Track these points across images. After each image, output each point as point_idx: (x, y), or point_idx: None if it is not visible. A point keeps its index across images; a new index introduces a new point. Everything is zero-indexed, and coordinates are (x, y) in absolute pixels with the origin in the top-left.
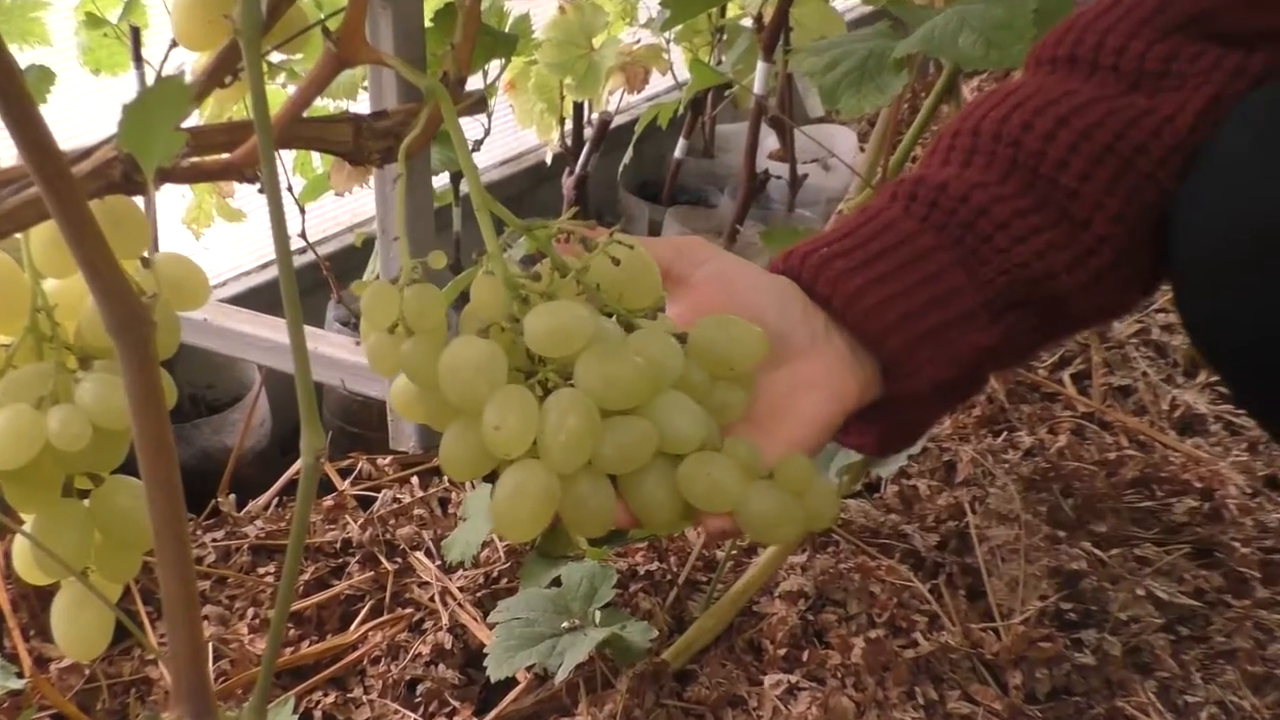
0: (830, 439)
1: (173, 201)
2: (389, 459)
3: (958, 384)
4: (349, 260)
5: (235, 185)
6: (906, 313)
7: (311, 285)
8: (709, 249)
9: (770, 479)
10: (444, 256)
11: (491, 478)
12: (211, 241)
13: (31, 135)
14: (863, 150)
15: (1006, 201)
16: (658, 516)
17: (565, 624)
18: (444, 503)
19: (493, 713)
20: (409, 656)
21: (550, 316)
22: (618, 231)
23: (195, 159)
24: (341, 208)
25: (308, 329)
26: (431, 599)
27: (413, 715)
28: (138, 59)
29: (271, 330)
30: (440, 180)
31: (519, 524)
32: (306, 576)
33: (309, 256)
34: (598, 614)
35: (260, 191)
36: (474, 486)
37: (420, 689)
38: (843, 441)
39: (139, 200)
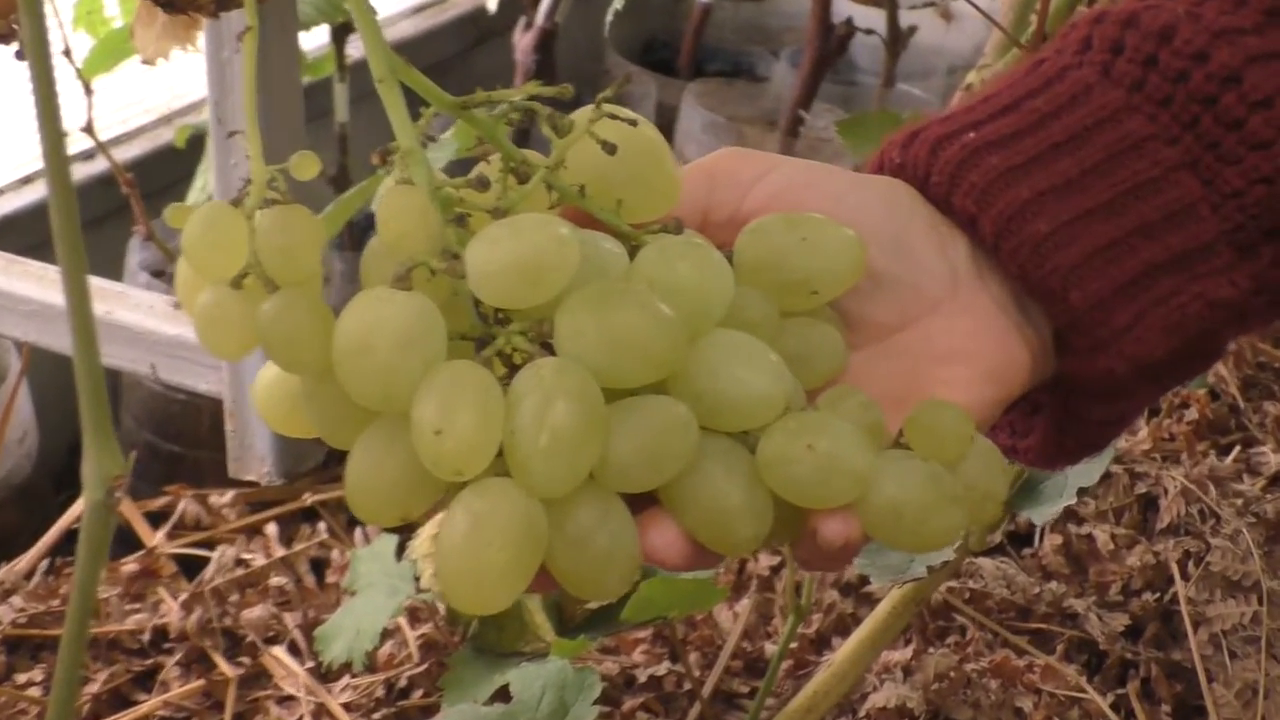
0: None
1: None
2: (229, 495)
3: (1178, 361)
4: (165, 171)
5: None
6: (1102, 245)
7: (104, 212)
8: (759, 159)
9: (901, 446)
10: (316, 161)
11: (408, 527)
12: None
13: None
14: None
15: (1271, 63)
16: (733, 533)
17: None
18: (319, 566)
19: None
20: None
21: (508, 243)
22: (608, 101)
23: None
24: (154, 86)
25: (97, 282)
26: None
27: None
28: None
29: (38, 285)
30: (314, 39)
31: (485, 585)
32: (96, 687)
33: (100, 165)
34: None
35: (19, 57)
36: (367, 538)
37: None
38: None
39: None
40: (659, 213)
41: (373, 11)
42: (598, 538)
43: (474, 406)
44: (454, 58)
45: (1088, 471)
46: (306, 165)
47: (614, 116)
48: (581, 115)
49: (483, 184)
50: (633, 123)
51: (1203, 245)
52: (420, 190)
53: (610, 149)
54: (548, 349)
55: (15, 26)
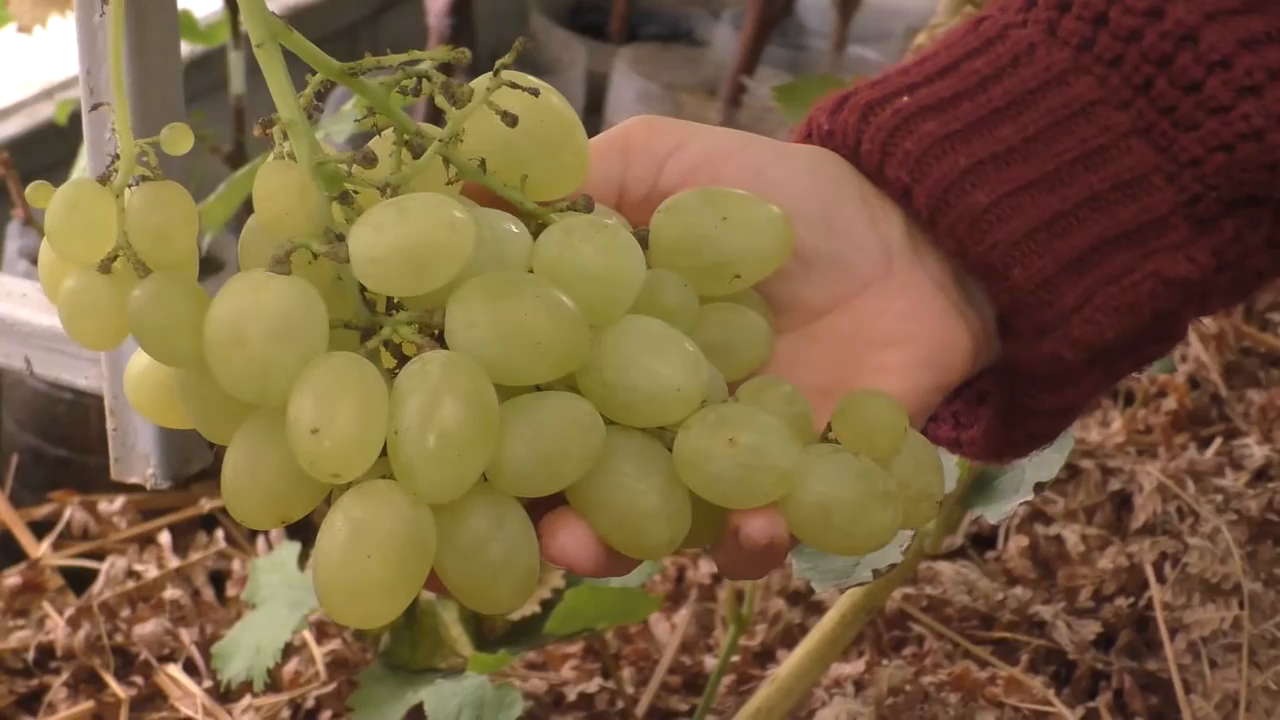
0: (918, 430)
1: None
2: (119, 501)
3: (1131, 345)
4: (46, 150)
5: None
6: (1047, 218)
7: None
8: (674, 129)
9: (829, 440)
10: (189, 133)
11: (305, 529)
12: None
13: None
14: None
15: (1230, 20)
16: (647, 536)
17: None
18: (217, 578)
19: None
20: None
21: (394, 227)
22: (507, 68)
23: None
24: (32, 58)
25: None
26: None
27: None
28: None
29: None
30: (207, 4)
31: (367, 592)
32: None
33: None
34: None
35: None
36: (270, 546)
37: None
38: (928, 434)
39: None
40: (568, 189)
41: None
42: (490, 547)
43: (354, 404)
44: (362, 22)
45: (1046, 464)
46: (179, 138)
47: (515, 85)
48: (480, 83)
49: (370, 159)
50: (535, 91)
51: (1157, 219)
52: (301, 166)
53: (511, 120)
54: (439, 341)
55: None
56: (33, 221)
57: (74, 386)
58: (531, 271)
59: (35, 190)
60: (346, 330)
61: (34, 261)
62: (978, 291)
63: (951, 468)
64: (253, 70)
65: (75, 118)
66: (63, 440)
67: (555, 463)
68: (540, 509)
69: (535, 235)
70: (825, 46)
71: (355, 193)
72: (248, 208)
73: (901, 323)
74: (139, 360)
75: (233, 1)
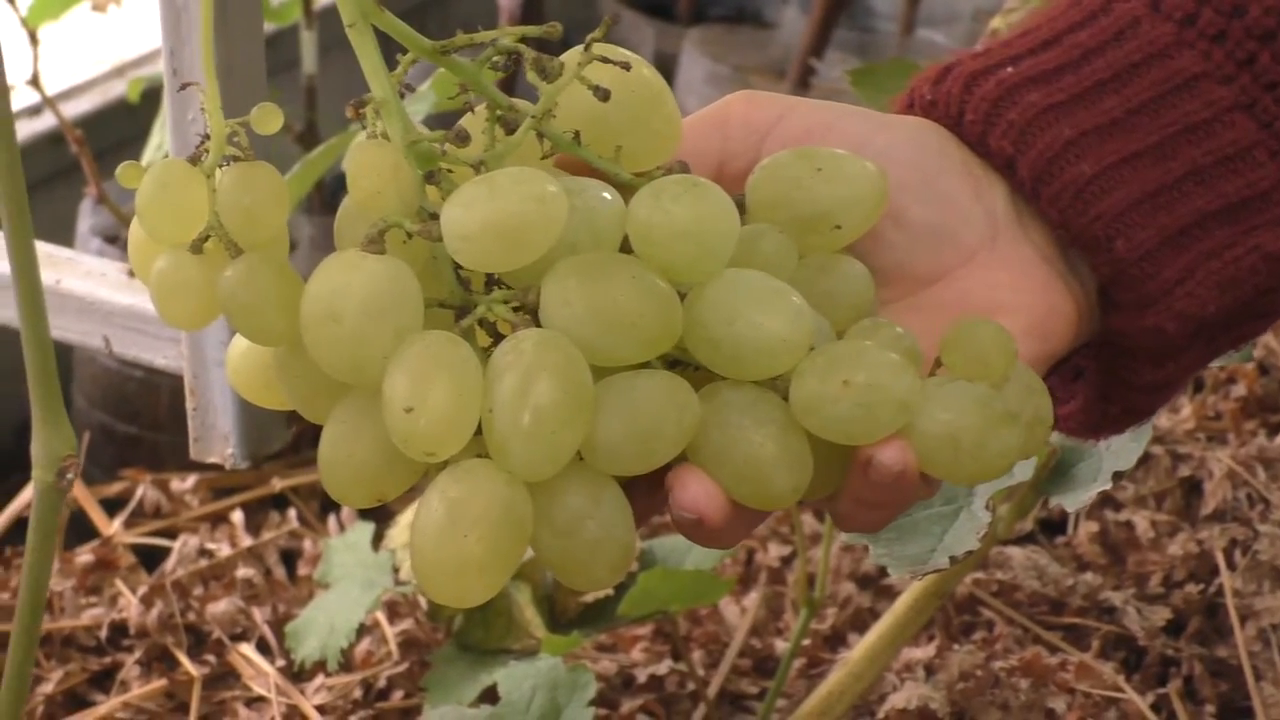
0: None
1: None
2: (191, 479)
3: (1232, 320)
4: (118, 127)
5: None
6: (1150, 191)
7: (52, 172)
8: (774, 102)
9: (941, 374)
10: (279, 113)
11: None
12: None
13: None
14: None
15: None
16: (772, 485)
17: None
18: (289, 557)
19: None
20: None
21: (485, 203)
22: (599, 43)
23: None
24: (105, 35)
25: (45, 248)
26: None
27: None
28: None
29: None
30: None
31: (463, 578)
32: (50, 687)
33: (47, 121)
34: None
35: None
36: (341, 526)
37: None
38: None
39: None
40: (662, 158)
41: None
42: (587, 525)
43: (449, 382)
44: (431, 2)
45: (1125, 453)
46: (269, 118)
47: (606, 59)
48: (571, 57)
49: (463, 137)
50: (627, 66)
51: (1260, 193)
52: (394, 145)
53: (603, 94)
54: (533, 319)
55: None
56: (105, 200)
57: (153, 366)
58: (626, 236)
59: (125, 170)
60: (441, 309)
61: (107, 240)
62: (1080, 262)
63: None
64: (324, 49)
65: (147, 95)
66: (133, 417)
67: (650, 441)
68: (638, 483)
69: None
70: (893, 29)
71: (449, 171)
72: (319, 187)
73: (1007, 293)
74: (240, 342)
75: None
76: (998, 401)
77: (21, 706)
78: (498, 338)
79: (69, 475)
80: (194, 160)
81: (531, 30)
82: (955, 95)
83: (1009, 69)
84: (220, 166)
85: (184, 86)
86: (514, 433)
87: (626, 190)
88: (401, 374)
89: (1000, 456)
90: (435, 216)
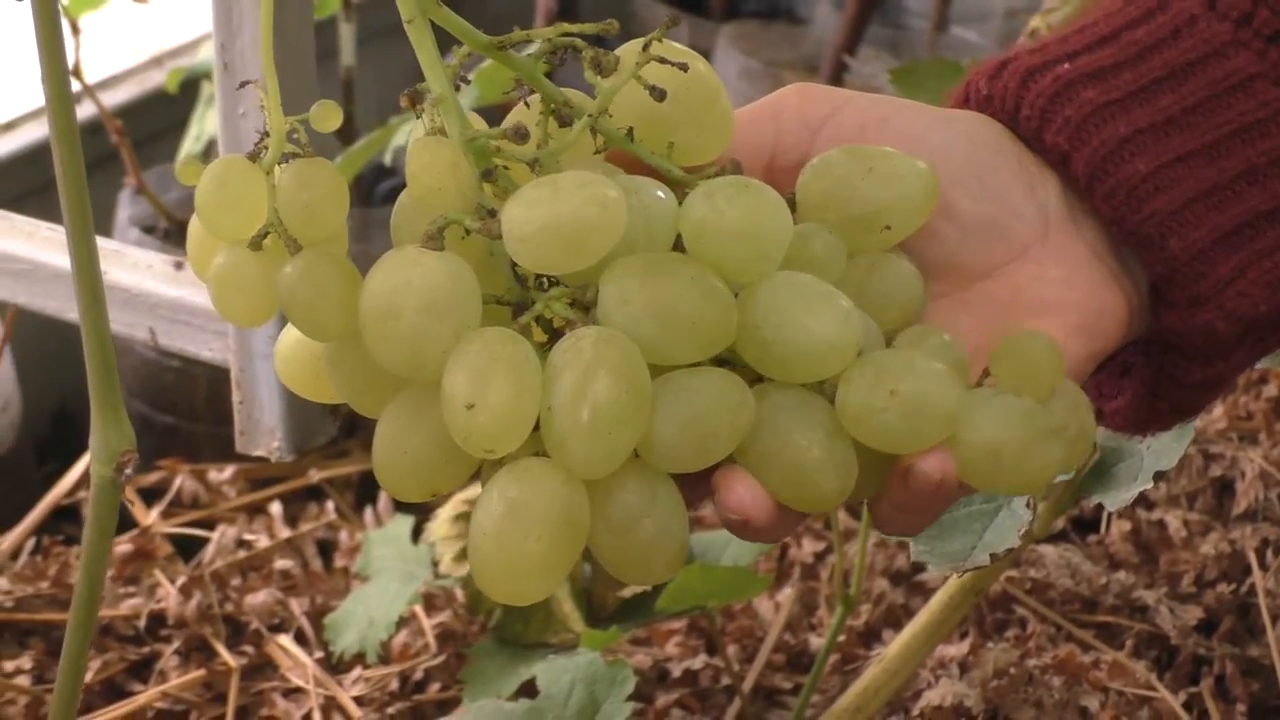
0: None
1: None
2: (229, 470)
3: None
4: (156, 117)
5: None
6: (1204, 190)
7: (90, 161)
8: (828, 96)
9: (987, 385)
10: (338, 111)
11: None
12: None
13: None
14: None
15: None
16: (817, 488)
17: None
18: (327, 549)
19: None
20: None
21: (547, 205)
22: (660, 40)
23: None
24: (142, 25)
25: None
26: (307, 718)
27: None
28: None
29: (26, 241)
30: None
31: (522, 578)
32: (90, 676)
33: (87, 110)
34: None
35: None
36: (378, 520)
37: None
38: None
39: None
40: (715, 153)
41: None
42: (643, 524)
43: (509, 380)
44: None
45: (1167, 453)
46: (328, 116)
47: (664, 59)
48: (628, 53)
49: (520, 134)
50: (684, 66)
51: None
52: (452, 141)
53: (659, 95)
54: (588, 315)
55: None
56: (144, 190)
57: (197, 358)
58: (679, 235)
59: (185, 167)
60: (499, 305)
61: (145, 229)
62: (1132, 260)
63: None
64: (362, 42)
65: (185, 85)
66: (170, 408)
67: (705, 440)
68: (690, 478)
69: (683, 197)
70: (925, 26)
71: (505, 168)
72: (356, 179)
73: (1058, 289)
74: (289, 335)
75: None
76: (1043, 416)
77: (77, 695)
78: (554, 334)
79: (127, 470)
80: (253, 157)
81: (588, 27)
82: (1011, 90)
83: (1065, 65)
84: (279, 163)
85: (242, 85)
86: (573, 430)
87: (678, 187)
88: (462, 371)
89: (1042, 471)
90: (494, 213)
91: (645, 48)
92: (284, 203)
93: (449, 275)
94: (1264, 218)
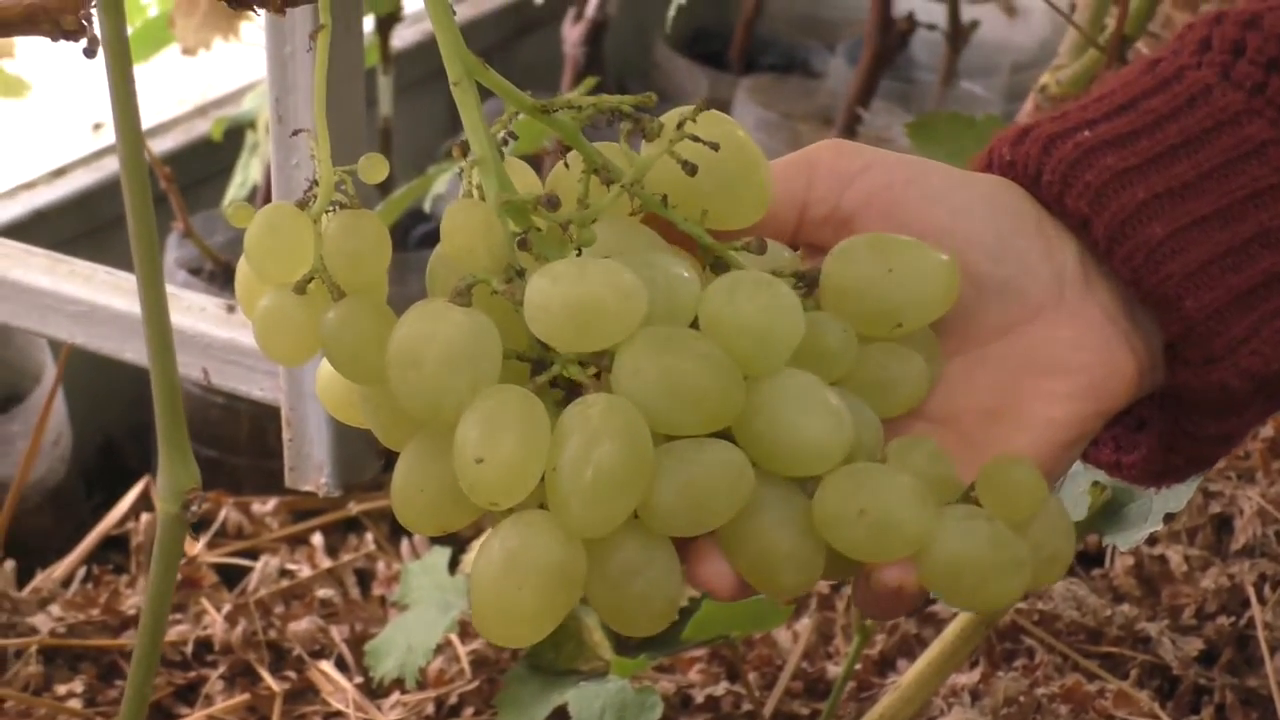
0: (1078, 456)
1: None
2: (271, 503)
3: None
4: (201, 164)
5: (15, 40)
6: (1220, 252)
7: None
8: (859, 154)
9: (969, 501)
10: (385, 164)
11: (456, 538)
12: None
13: None
14: None
15: None
16: (778, 580)
17: None
18: (365, 579)
19: None
20: None
21: (569, 285)
22: (697, 111)
23: None
24: (187, 77)
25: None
26: None
27: None
28: None
29: (85, 285)
30: None
31: (515, 620)
32: None
33: None
34: None
35: (88, 55)
36: (413, 551)
37: None
38: (1090, 457)
39: None
40: (748, 222)
41: (451, 11)
42: (635, 582)
43: (518, 438)
44: (496, 47)
45: (1175, 495)
46: (375, 168)
47: (696, 138)
48: (670, 123)
49: (552, 204)
50: (715, 146)
51: None
52: (487, 205)
53: (691, 169)
54: (604, 381)
55: (85, 22)
56: (192, 233)
57: (250, 397)
58: (697, 317)
59: (236, 211)
60: (520, 361)
61: (192, 272)
62: (1146, 321)
63: (1082, 495)
64: (399, 93)
65: (229, 134)
66: (214, 442)
67: (703, 510)
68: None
69: (711, 264)
70: (934, 80)
71: (538, 229)
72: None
73: (1069, 351)
74: (329, 366)
75: (384, 28)
76: (1009, 545)
77: (143, 716)
78: (572, 391)
79: (193, 507)
80: (302, 205)
81: (628, 99)
82: (1034, 156)
83: (1086, 132)
84: (326, 211)
85: (295, 133)
86: (574, 493)
87: (707, 254)
88: (475, 425)
89: (997, 598)
90: (523, 273)
91: (679, 125)
92: (330, 251)
93: (472, 331)
94: (1277, 279)
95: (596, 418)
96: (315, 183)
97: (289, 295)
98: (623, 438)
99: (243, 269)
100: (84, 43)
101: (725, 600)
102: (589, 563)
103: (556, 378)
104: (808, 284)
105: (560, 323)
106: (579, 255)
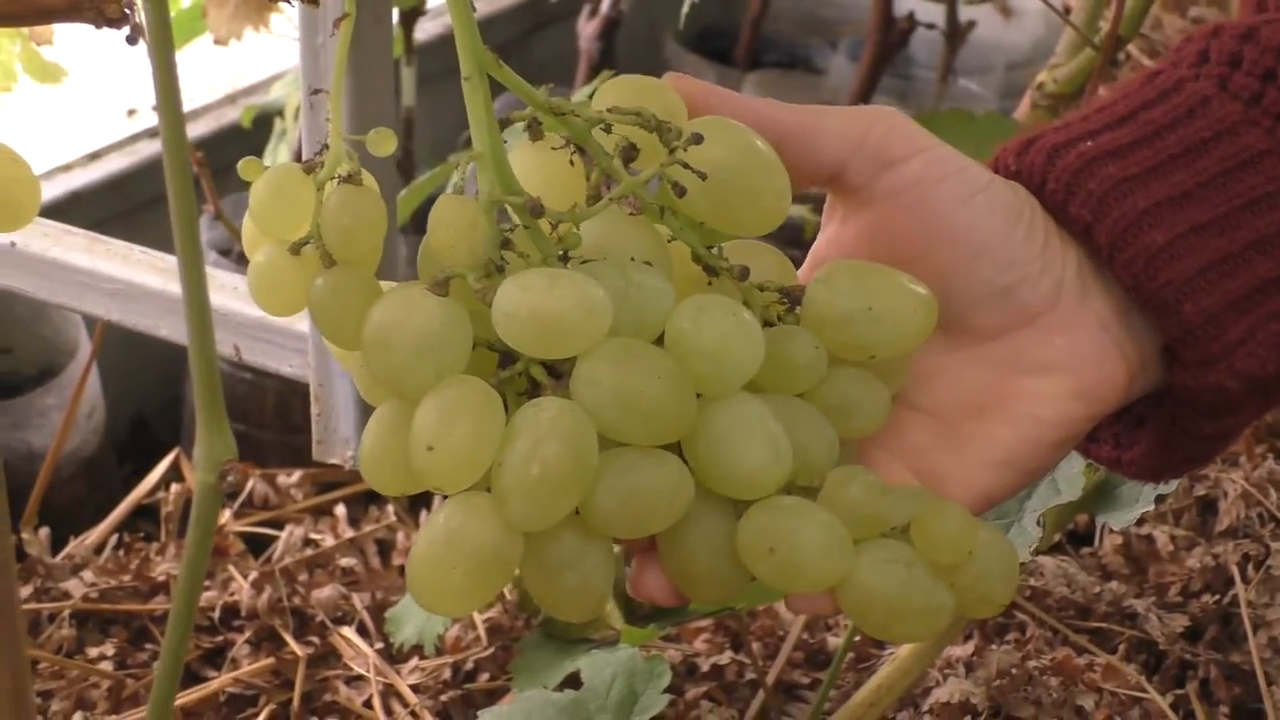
0: (1065, 454)
1: None
2: (296, 475)
3: None
4: (231, 150)
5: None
6: (1217, 259)
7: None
8: (909, 140)
9: (903, 537)
10: (393, 137)
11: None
12: None
13: None
14: None
15: None
16: (700, 593)
17: None
18: (385, 548)
19: None
20: None
21: (537, 295)
22: (718, 120)
23: None
24: (218, 66)
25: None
26: (367, 704)
27: None
28: None
29: (122, 264)
30: None
31: (446, 600)
32: None
33: None
34: None
35: (130, 42)
36: None
37: None
38: (1090, 454)
39: None
40: (766, 229)
41: (471, 7)
42: (567, 575)
43: (469, 431)
44: (513, 42)
45: None
46: (383, 141)
47: (686, 165)
48: (685, 128)
49: (535, 210)
50: (703, 176)
51: None
52: (474, 202)
53: (679, 191)
54: (561, 383)
55: (127, 10)
56: (222, 215)
57: (279, 373)
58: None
59: (247, 165)
60: (489, 350)
61: (222, 252)
62: (1139, 326)
63: (1078, 475)
64: (422, 84)
65: (257, 121)
66: (241, 416)
67: (641, 517)
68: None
69: (704, 271)
70: (932, 77)
71: (525, 227)
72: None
73: (1061, 355)
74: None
75: (408, 21)
76: (925, 592)
77: (176, 682)
78: (536, 386)
79: (229, 477)
80: (309, 169)
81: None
82: (1038, 166)
83: (1088, 143)
84: (333, 179)
85: (314, 92)
86: (514, 489)
87: (699, 262)
88: (431, 412)
89: (908, 636)
90: (503, 269)
91: (671, 151)
92: (326, 222)
93: (442, 321)
94: (1272, 284)
95: (546, 422)
96: (326, 145)
97: (284, 254)
98: (567, 442)
99: (247, 221)
100: (126, 30)
101: (669, 605)
102: (527, 549)
103: (519, 374)
104: (792, 300)
105: (525, 331)
106: (563, 256)
